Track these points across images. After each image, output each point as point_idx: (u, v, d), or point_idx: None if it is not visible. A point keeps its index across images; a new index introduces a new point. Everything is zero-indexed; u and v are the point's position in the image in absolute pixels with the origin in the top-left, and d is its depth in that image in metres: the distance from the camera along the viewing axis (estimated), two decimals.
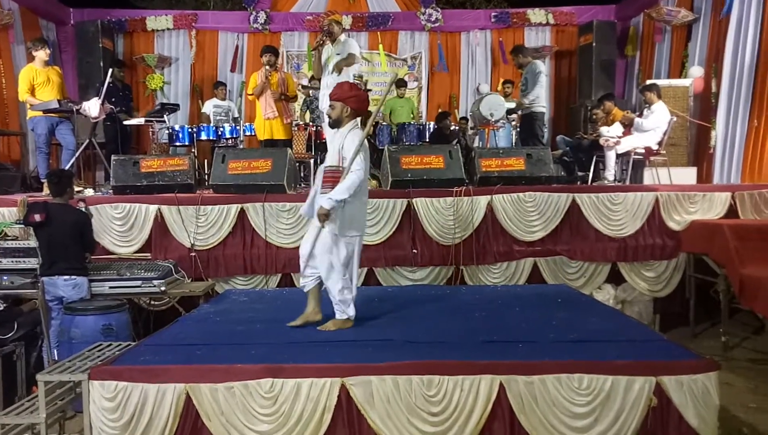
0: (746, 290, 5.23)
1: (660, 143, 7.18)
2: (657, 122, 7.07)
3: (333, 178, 3.89)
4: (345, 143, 3.89)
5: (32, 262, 5.08)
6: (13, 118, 8.44)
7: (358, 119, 4.06)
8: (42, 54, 6.76)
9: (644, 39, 9.83)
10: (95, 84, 8.83)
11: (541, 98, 7.72)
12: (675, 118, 7.31)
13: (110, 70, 7.41)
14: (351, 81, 5.95)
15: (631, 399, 3.22)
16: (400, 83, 9.86)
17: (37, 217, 4.75)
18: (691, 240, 6.11)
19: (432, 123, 9.43)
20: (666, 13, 8.66)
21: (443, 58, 10.73)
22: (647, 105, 7.24)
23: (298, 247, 5.84)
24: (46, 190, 6.06)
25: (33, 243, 5.05)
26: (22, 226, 5.22)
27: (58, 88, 6.87)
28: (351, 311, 4.01)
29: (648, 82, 7.95)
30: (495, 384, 3.23)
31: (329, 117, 4.02)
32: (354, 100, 3.97)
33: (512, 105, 8.26)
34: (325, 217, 3.76)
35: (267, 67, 7.60)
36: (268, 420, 3.24)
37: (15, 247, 5.19)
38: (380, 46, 10.55)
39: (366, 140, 3.96)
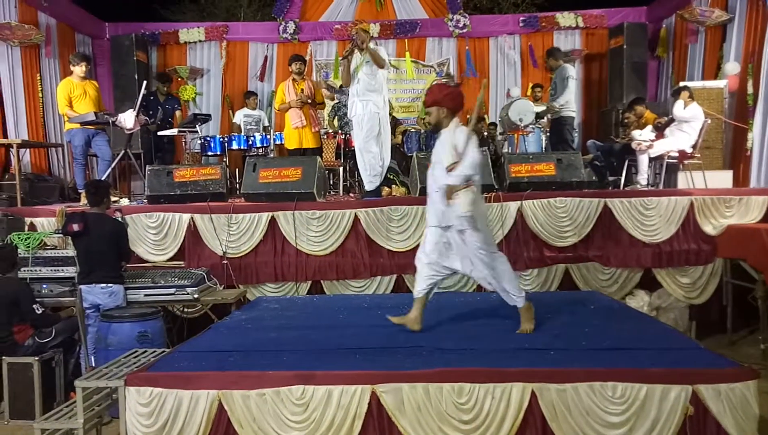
0: None
1: (694, 146, 7.04)
2: (692, 113, 6.92)
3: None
4: (456, 140, 3.91)
5: (70, 271, 5.23)
6: (48, 131, 8.67)
7: (458, 117, 4.07)
8: (78, 69, 6.94)
9: (677, 40, 9.64)
10: (130, 96, 9.03)
11: (570, 102, 7.66)
12: (709, 121, 7.17)
13: (144, 83, 7.58)
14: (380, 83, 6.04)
15: (666, 408, 3.17)
16: None
17: (76, 227, 4.87)
18: (728, 245, 5.97)
19: None
20: (699, 13, 8.49)
21: (471, 63, 10.70)
22: None
23: (327, 255, 6.00)
24: (83, 201, 6.23)
25: (71, 252, 5.19)
26: (61, 235, 5.36)
27: (94, 101, 7.04)
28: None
29: (681, 84, 7.81)
30: (527, 392, 3.21)
31: (429, 123, 4.06)
32: (448, 99, 4.00)
33: (542, 109, 8.20)
34: (450, 192, 3.83)
35: (295, 75, 7.70)
36: (299, 427, 3.27)
37: (54, 256, 5.35)
38: (407, 53, 10.58)
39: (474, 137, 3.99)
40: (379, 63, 6.26)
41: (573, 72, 7.84)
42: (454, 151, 3.90)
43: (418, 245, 5.92)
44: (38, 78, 8.44)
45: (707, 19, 8.44)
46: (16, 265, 5.10)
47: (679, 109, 7.00)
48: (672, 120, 7.12)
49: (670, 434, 3.16)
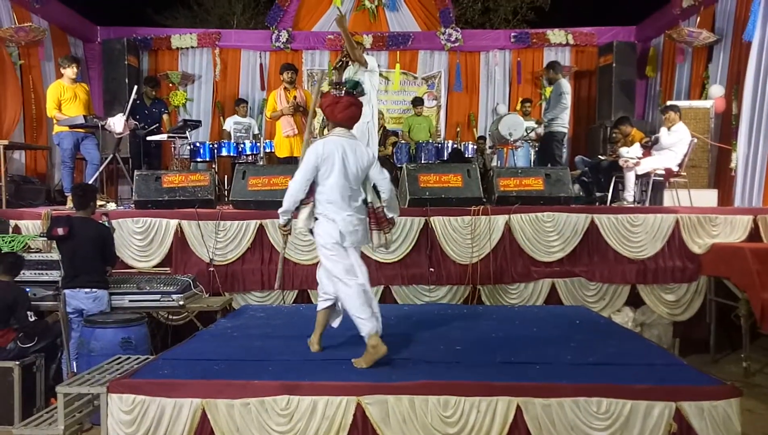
0: None
1: (680, 164, 7.12)
2: (678, 138, 7.02)
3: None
4: None
5: (54, 275, 5.17)
6: (40, 133, 8.62)
7: (339, 129, 3.90)
8: (69, 72, 6.91)
9: (665, 60, 9.79)
10: (121, 100, 8.98)
11: (560, 118, 7.71)
12: (696, 140, 7.26)
13: (134, 87, 7.54)
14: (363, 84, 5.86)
15: (650, 424, 3.19)
16: (417, 102, 9.92)
17: (60, 231, 4.82)
18: (712, 263, 6.03)
19: (450, 142, 9.45)
20: (687, 34, 8.62)
21: (459, 78, 10.81)
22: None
23: (314, 264, 5.94)
24: (70, 204, 6.18)
25: (55, 256, 5.13)
26: (46, 238, 5.30)
27: (84, 104, 7.01)
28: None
29: (668, 103, 7.90)
30: (512, 406, 3.21)
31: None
32: (324, 109, 3.94)
33: (532, 123, 8.26)
34: (283, 231, 4.06)
35: (287, 84, 7.70)
36: None
37: (38, 259, 5.28)
38: (397, 65, 10.65)
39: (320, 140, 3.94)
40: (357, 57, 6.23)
41: (568, 88, 7.90)
42: None
43: (405, 257, 6.01)
44: (31, 79, 8.39)
45: (695, 39, 8.56)
46: (19, 273, 5.03)
47: (664, 136, 7.11)
48: (658, 139, 7.21)
49: None
